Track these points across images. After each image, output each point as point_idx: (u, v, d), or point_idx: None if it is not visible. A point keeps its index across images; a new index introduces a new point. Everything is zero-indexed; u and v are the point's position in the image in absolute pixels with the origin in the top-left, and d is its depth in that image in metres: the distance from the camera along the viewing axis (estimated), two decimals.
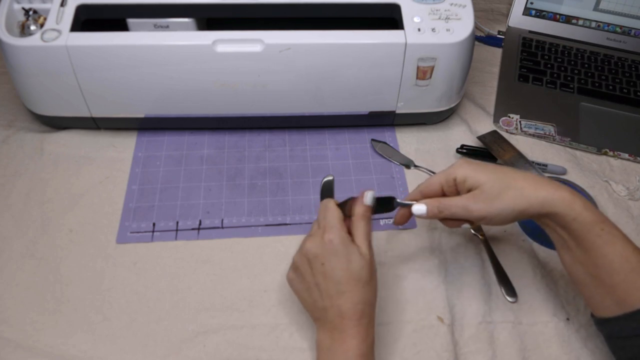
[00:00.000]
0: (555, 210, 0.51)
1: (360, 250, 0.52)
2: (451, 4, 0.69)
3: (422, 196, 0.56)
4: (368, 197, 0.54)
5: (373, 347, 0.52)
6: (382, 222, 0.67)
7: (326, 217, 0.54)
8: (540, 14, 0.91)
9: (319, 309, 0.52)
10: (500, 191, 0.52)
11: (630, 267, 0.49)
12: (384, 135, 0.77)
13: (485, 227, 0.67)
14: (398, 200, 0.57)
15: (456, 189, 0.55)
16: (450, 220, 0.56)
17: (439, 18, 0.67)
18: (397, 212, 0.58)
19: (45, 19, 0.66)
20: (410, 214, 0.57)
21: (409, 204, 0.56)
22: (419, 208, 0.55)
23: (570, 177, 0.73)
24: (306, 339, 0.57)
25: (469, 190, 0.53)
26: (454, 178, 0.54)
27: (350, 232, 0.53)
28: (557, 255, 0.65)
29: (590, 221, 0.51)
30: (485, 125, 0.79)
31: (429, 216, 0.55)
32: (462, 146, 0.75)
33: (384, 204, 0.56)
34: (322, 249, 0.52)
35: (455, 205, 0.53)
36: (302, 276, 0.53)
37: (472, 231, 0.67)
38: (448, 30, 0.66)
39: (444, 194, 0.56)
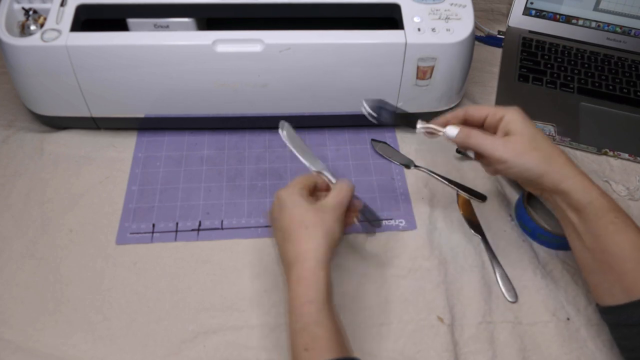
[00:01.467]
0: (570, 190, 0.52)
1: (309, 200, 0.55)
2: (451, 4, 0.69)
3: (465, 114, 0.58)
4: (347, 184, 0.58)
5: (329, 296, 0.51)
6: (382, 222, 0.67)
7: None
8: (540, 14, 0.91)
9: (285, 259, 0.54)
10: (532, 147, 0.54)
11: None
12: (384, 135, 0.77)
13: (485, 227, 0.67)
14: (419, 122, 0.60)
15: (495, 127, 0.57)
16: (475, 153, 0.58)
17: (439, 18, 0.67)
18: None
19: (45, 19, 0.66)
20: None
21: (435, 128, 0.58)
22: (452, 128, 0.57)
23: None
24: None
25: (506, 134, 0.55)
26: (502, 116, 0.56)
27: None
28: (556, 254, 0.65)
29: (605, 207, 0.52)
30: None
31: (457, 139, 0.57)
32: None
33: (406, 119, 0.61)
34: (275, 205, 0.56)
35: (485, 138, 0.55)
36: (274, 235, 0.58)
37: (472, 232, 0.67)
38: (448, 30, 0.66)
39: (483, 126, 0.58)
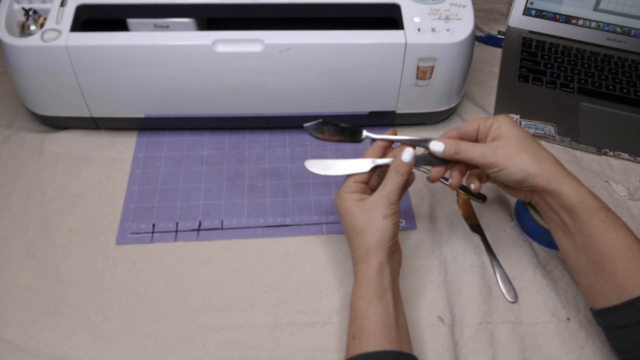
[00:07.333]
0: (561, 190, 0.52)
1: (356, 199, 0.56)
2: (451, 4, 0.69)
3: (459, 134, 0.58)
4: (406, 155, 0.56)
5: (380, 292, 0.53)
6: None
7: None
8: (540, 14, 0.91)
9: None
10: (521, 149, 0.54)
11: (632, 255, 0.50)
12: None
13: (485, 227, 0.67)
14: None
15: (486, 134, 0.57)
16: (458, 170, 0.58)
17: (439, 18, 0.67)
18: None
19: (45, 19, 0.66)
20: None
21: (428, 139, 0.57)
22: (436, 144, 0.56)
23: None
24: (306, 339, 0.57)
25: (494, 138, 0.55)
26: (492, 122, 0.56)
27: None
28: (556, 254, 0.65)
29: (596, 207, 0.52)
30: None
31: (445, 155, 0.56)
32: None
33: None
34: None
35: (474, 148, 0.55)
36: None
37: (472, 232, 0.67)
38: (448, 30, 0.66)
39: (476, 138, 0.58)
